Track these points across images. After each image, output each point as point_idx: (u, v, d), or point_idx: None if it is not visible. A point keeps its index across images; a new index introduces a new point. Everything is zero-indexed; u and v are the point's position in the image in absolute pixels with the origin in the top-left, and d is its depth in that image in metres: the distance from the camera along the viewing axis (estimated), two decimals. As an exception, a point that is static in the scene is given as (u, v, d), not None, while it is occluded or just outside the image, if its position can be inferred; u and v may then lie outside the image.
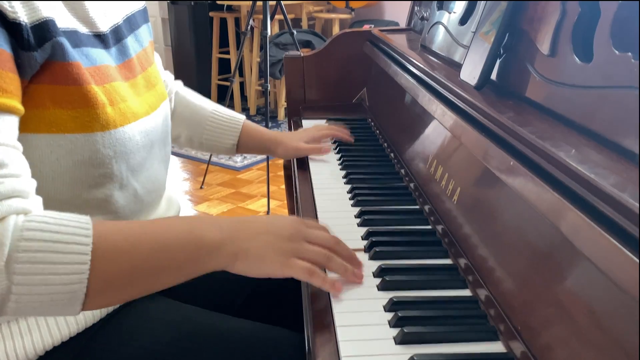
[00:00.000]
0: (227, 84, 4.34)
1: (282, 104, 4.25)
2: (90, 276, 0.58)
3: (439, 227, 0.82)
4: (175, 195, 0.98)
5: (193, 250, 0.64)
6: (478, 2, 0.95)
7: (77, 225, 0.59)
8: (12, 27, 0.63)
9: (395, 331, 0.60)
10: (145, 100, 0.82)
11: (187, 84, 1.20)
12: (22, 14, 0.64)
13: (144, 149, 0.80)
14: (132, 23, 0.87)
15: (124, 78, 0.80)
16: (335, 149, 1.20)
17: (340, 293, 0.67)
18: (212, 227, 0.66)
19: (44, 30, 0.66)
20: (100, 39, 0.78)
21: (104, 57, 0.77)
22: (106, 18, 0.80)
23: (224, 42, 4.57)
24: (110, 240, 0.61)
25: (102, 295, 0.61)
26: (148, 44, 0.92)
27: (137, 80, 0.83)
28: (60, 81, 0.68)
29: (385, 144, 1.20)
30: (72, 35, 0.72)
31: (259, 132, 1.16)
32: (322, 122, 1.38)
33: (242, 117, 1.16)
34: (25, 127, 0.67)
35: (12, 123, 0.63)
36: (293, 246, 0.67)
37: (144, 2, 0.94)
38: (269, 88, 2.77)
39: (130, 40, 0.85)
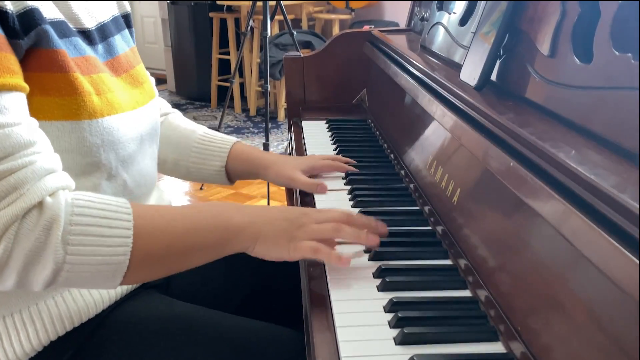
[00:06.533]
0: (227, 84, 4.34)
1: (282, 104, 4.25)
2: (132, 250, 0.64)
3: (439, 228, 0.82)
4: (167, 193, 0.98)
5: (222, 231, 0.70)
6: (478, 2, 0.95)
7: (118, 204, 0.66)
8: (0, 15, 0.64)
9: (395, 332, 0.60)
10: (132, 97, 0.83)
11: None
12: (8, 3, 0.65)
13: (134, 142, 0.81)
14: (118, 24, 0.88)
15: (110, 73, 0.81)
16: (335, 149, 1.20)
17: (349, 264, 0.71)
18: (236, 211, 0.72)
19: (29, 18, 0.67)
20: (85, 35, 0.79)
21: (90, 51, 0.78)
22: (91, 17, 0.81)
23: (224, 43, 4.57)
24: (149, 218, 0.67)
25: (141, 269, 0.66)
26: (134, 46, 0.93)
27: (124, 76, 0.84)
28: (45, 68, 0.70)
29: (385, 145, 1.20)
30: (60, 25, 0.73)
31: (247, 153, 1.04)
32: (322, 122, 1.38)
33: (233, 139, 1.05)
34: None
35: (24, 101, 0.66)
36: (302, 231, 0.71)
37: (129, 7, 0.95)
38: (269, 89, 2.77)
39: (117, 39, 0.86)
